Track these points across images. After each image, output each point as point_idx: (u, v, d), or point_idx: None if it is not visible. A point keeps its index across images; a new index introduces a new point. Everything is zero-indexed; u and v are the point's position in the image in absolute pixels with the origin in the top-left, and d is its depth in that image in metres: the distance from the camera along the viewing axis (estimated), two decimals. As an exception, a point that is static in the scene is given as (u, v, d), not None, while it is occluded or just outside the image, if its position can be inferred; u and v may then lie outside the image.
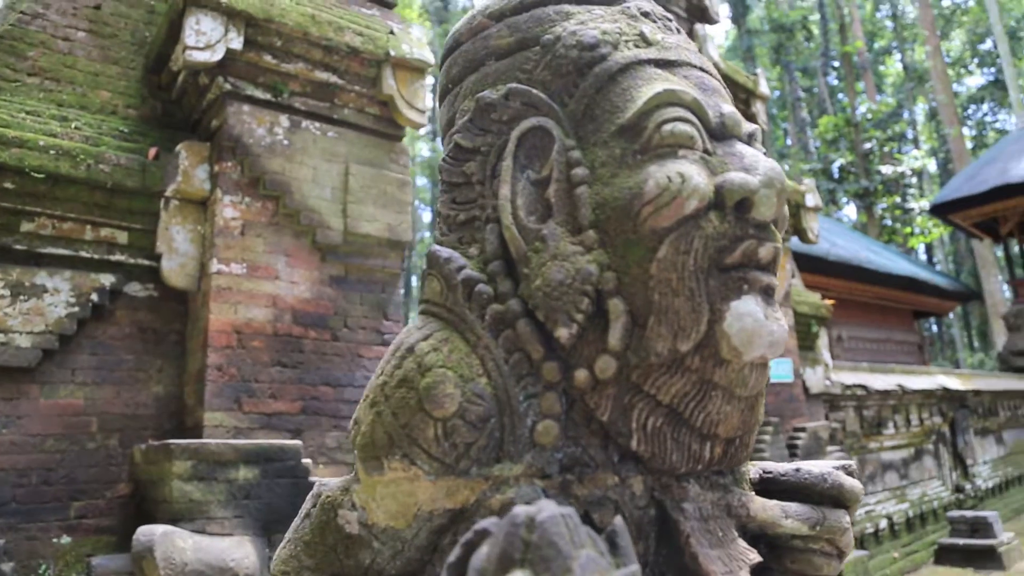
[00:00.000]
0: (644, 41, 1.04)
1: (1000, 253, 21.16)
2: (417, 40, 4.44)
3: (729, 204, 0.95)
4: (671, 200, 0.91)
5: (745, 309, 0.92)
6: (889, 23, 35.16)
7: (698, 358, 0.93)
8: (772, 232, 0.98)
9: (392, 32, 4.39)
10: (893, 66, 37.50)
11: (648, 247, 0.92)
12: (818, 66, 31.46)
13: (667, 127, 0.95)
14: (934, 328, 33.82)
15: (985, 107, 35.40)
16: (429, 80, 4.57)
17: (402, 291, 4.48)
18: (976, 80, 36.45)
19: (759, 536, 1.03)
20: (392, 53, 4.27)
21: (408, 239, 4.38)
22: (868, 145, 26.02)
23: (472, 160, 1.04)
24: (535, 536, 0.72)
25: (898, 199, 25.80)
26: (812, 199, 7.87)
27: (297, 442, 3.54)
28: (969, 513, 8.63)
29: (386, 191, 4.34)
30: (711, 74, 1.08)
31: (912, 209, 25.18)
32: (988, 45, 33.76)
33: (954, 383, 11.22)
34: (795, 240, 8.12)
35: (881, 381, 9.69)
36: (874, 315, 15.21)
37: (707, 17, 8.14)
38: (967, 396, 11.52)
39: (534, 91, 1.02)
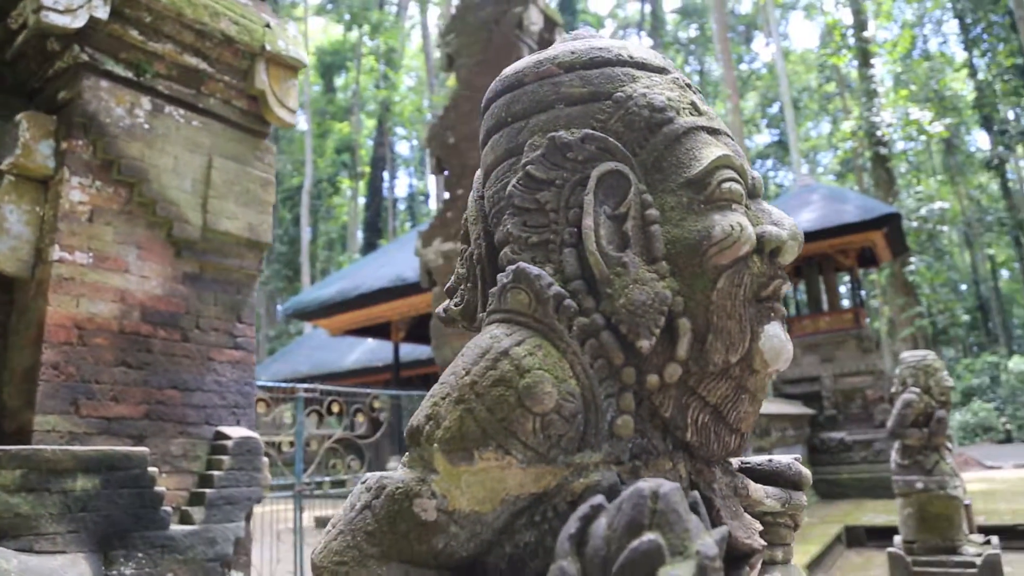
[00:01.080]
0: (696, 110, 1.23)
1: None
2: (293, 38, 4.32)
3: (766, 250, 1.18)
4: (732, 244, 1.12)
5: (773, 331, 1.16)
6: (697, 77, 38.62)
7: (738, 368, 1.15)
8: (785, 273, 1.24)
9: (268, 26, 4.23)
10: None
11: (710, 279, 1.12)
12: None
13: (725, 185, 1.16)
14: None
15: (769, 163, 39.88)
16: (299, 80, 4.44)
17: (255, 294, 4.30)
18: (764, 138, 40.94)
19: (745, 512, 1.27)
20: (268, 47, 4.12)
21: (268, 241, 4.22)
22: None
23: (545, 190, 1.17)
24: (660, 504, 0.90)
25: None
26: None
27: (144, 449, 3.30)
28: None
29: (249, 189, 4.16)
30: (733, 140, 1.26)
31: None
32: (775, 109, 38.12)
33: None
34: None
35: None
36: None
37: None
38: (747, 419, 12.86)
39: (610, 139, 1.17)
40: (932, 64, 32.67)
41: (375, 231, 34.62)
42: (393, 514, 1.08)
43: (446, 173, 8.43)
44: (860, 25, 25.16)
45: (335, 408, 6.62)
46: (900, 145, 28.52)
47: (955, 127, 31.85)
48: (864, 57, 25.55)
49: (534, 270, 1.11)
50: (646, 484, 0.93)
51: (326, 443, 6.70)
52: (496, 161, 1.29)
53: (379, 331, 14.51)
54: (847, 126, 26.30)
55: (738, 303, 1.14)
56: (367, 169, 34.69)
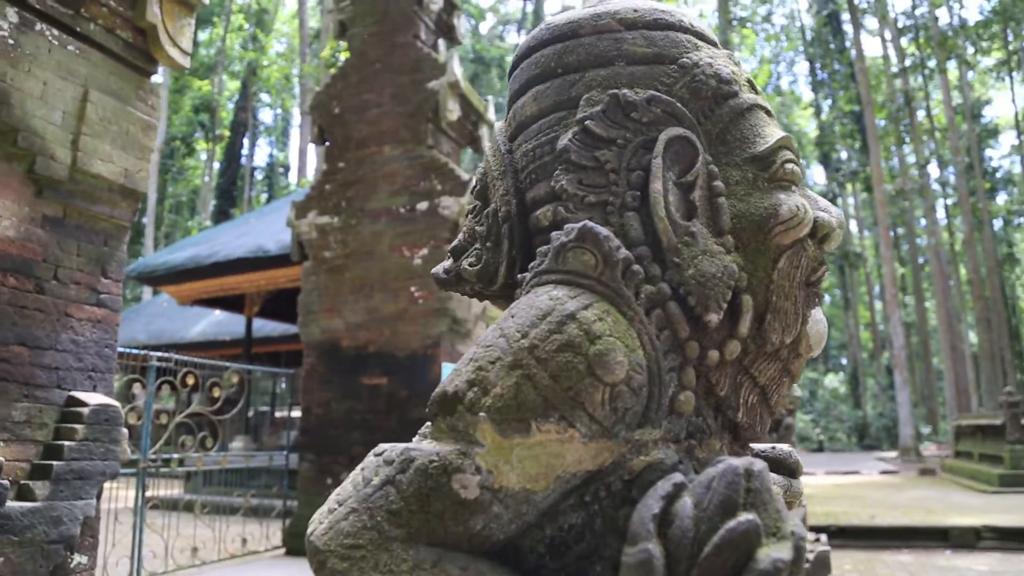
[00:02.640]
0: (752, 88, 1.21)
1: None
2: (192, -28, 3.94)
3: (818, 236, 1.17)
4: (796, 224, 1.11)
5: (818, 316, 1.19)
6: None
7: (787, 350, 1.15)
8: None
9: (165, -46, 3.83)
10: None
11: (772, 257, 1.12)
12: (504, 103, 34.16)
13: (788, 165, 1.15)
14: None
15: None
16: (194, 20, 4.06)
17: (125, 248, 3.88)
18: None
19: None
20: (163, -23, 3.73)
21: (144, 190, 3.83)
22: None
23: (605, 148, 1.11)
24: (755, 483, 0.89)
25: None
26: (518, 225, 8.50)
27: (-15, 411, 2.88)
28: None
29: (129, 131, 3.75)
30: None
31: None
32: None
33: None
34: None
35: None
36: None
37: (453, 36, 8.44)
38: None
39: (677, 104, 1.13)
40: (783, 100, 35.35)
41: (229, 199, 32.80)
42: (425, 491, 0.95)
43: (327, 144, 8.08)
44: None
45: (190, 380, 6.15)
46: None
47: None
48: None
49: (602, 230, 1.03)
50: (738, 462, 0.90)
51: (176, 417, 6.21)
52: (540, 113, 1.22)
53: (232, 303, 13.71)
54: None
55: (795, 285, 1.13)
56: (226, 133, 32.78)
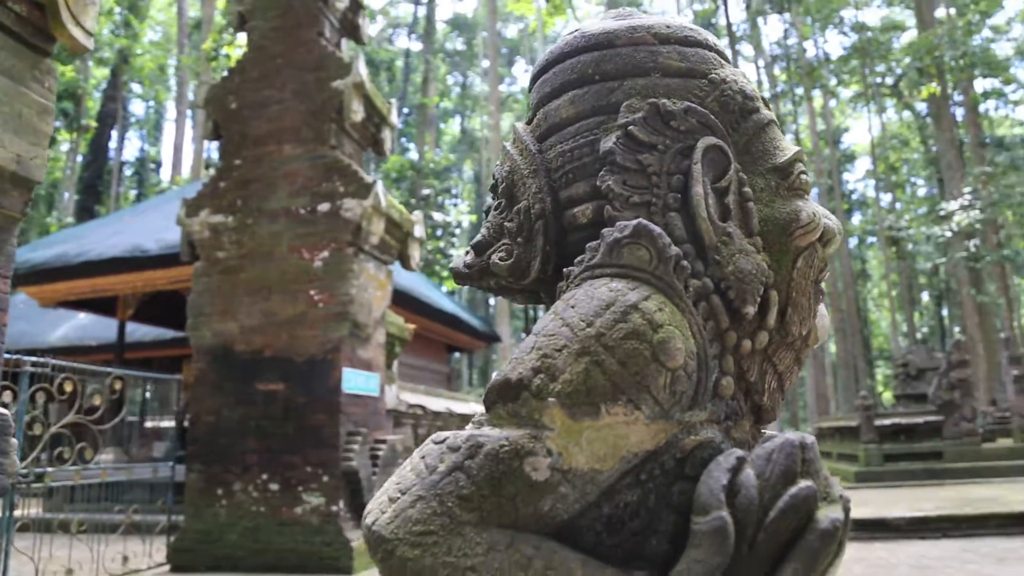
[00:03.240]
0: (766, 105, 1.34)
1: (516, 306, 25.00)
2: (96, -52, 3.68)
3: (823, 240, 1.30)
4: (813, 228, 1.25)
5: (823, 311, 1.33)
6: (458, 89, 39.62)
7: (800, 341, 1.27)
8: None
9: (68, -73, 3.56)
10: (452, 127, 42.22)
11: (791, 258, 1.25)
12: (395, 104, 33.84)
13: (803, 176, 1.28)
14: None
15: (515, 182, 41.99)
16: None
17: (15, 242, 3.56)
18: (512, 158, 43.02)
19: None
20: (65, -49, 3.46)
21: (40, 179, 3.54)
22: (426, 191, 28.75)
23: (647, 153, 1.19)
24: (809, 454, 1.05)
25: (442, 244, 28.93)
26: (420, 230, 8.47)
27: None
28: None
29: (22, 113, 3.46)
30: None
31: (451, 255, 28.44)
32: (526, 132, 40.26)
33: (482, 410, 12.95)
34: (397, 265, 8.61)
35: (435, 403, 10.75)
36: (417, 344, 16.76)
37: (358, 36, 8.30)
38: (490, 423, 13.40)
39: (710, 116, 1.23)
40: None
41: (94, 195, 30.63)
42: (497, 475, 0.98)
43: (222, 140, 7.74)
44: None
45: (68, 387, 5.71)
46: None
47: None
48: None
49: (656, 228, 1.12)
50: (794, 436, 1.06)
51: (51, 428, 5.74)
52: (577, 116, 1.28)
53: (103, 306, 12.80)
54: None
55: (808, 282, 1.26)
56: (92, 124, 30.62)
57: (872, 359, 39.94)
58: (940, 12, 27.41)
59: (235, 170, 7.54)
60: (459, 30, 39.04)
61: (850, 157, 43.48)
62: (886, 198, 39.29)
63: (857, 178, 45.77)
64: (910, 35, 33.52)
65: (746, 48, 32.50)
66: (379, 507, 1.03)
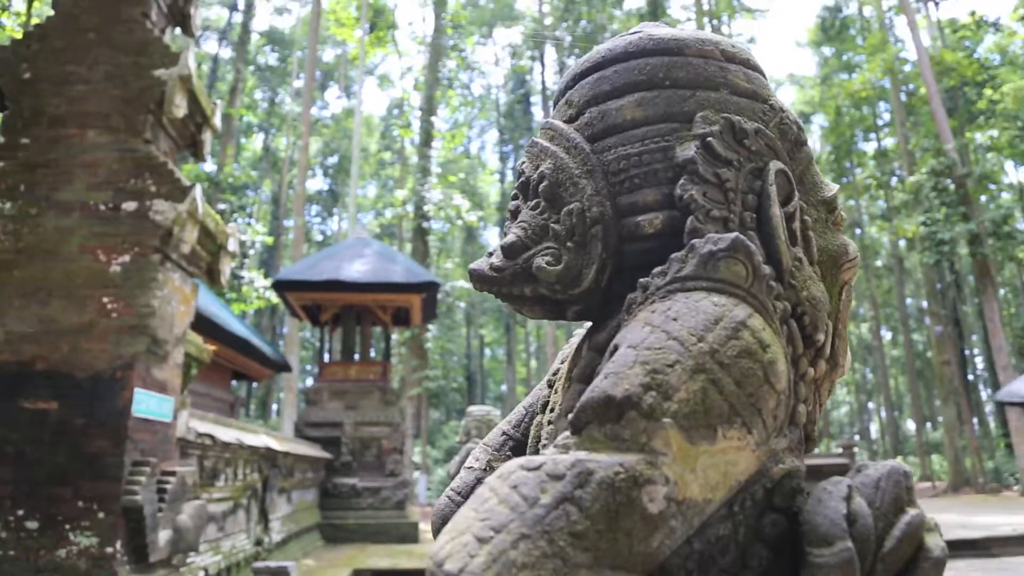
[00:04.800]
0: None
1: (308, 335, 24.02)
2: None
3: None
4: (856, 264, 1.26)
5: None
6: (264, 104, 37.93)
7: (836, 372, 1.24)
8: None
9: None
10: (255, 143, 40.26)
11: (839, 289, 1.24)
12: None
13: (842, 213, 1.31)
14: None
15: (316, 209, 40.80)
16: None
17: None
18: (316, 184, 41.89)
19: None
20: None
21: None
22: (222, 206, 26.97)
23: (725, 168, 1.15)
24: (909, 483, 1.04)
25: (234, 263, 27.17)
26: (234, 244, 7.82)
27: None
28: (273, 563, 9.28)
29: None
30: None
31: (243, 277, 26.82)
32: (333, 159, 39.43)
33: (274, 443, 12.13)
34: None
35: (225, 433, 9.83)
36: (202, 368, 15.44)
37: (188, 27, 7.60)
38: (279, 456, 12.56)
39: (776, 140, 1.22)
40: (472, 163, 37.84)
41: None
42: (614, 508, 0.84)
43: (7, 112, 6.67)
44: (430, 109, 27.91)
45: None
46: (437, 224, 32.01)
47: (480, 220, 37.03)
48: (427, 138, 28.31)
49: (751, 245, 1.06)
50: (895, 465, 1.07)
51: None
52: (645, 119, 1.22)
53: None
54: (400, 194, 28.56)
55: (847, 315, 1.27)
56: None
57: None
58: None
59: (21, 150, 6.50)
60: (274, 44, 37.55)
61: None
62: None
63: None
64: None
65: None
66: (464, 550, 0.81)
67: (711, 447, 0.92)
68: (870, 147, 40.62)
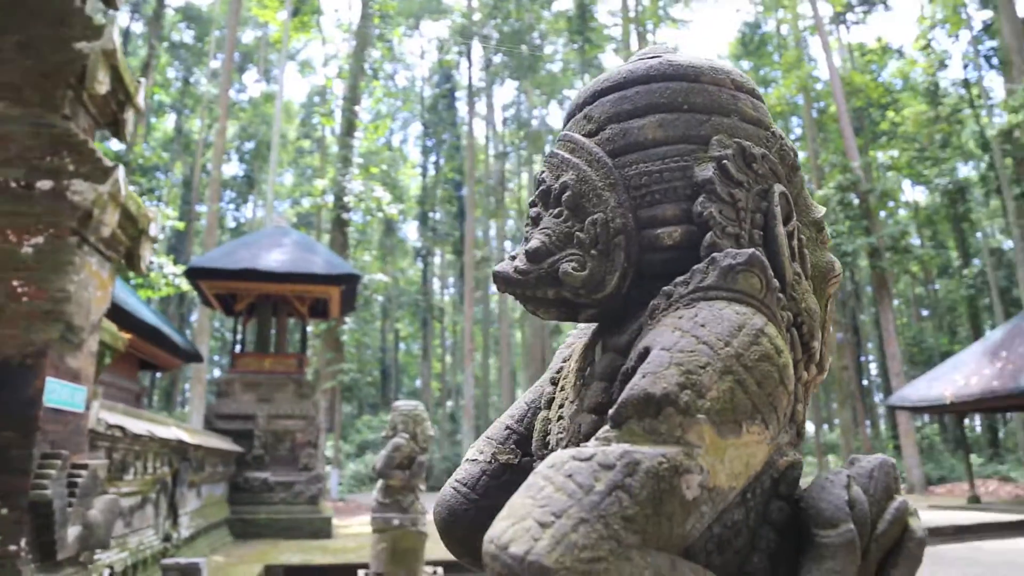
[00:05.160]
0: None
1: (217, 324, 23.23)
2: None
3: None
4: (840, 278, 1.39)
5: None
6: (178, 84, 36.40)
7: (820, 376, 1.37)
8: None
9: None
10: (166, 123, 38.59)
11: (824, 302, 1.37)
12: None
13: (827, 232, 1.43)
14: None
15: (230, 195, 39.48)
16: None
17: None
18: (231, 169, 40.52)
19: None
20: None
21: None
22: (130, 188, 25.75)
23: (737, 189, 1.26)
24: (895, 472, 1.20)
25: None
26: (155, 229, 7.53)
27: None
28: (182, 560, 8.97)
29: None
30: None
31: (151, 262, 25.73)
32: (250, 144, 38.26)
33: (186, 436, 11.72)
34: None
35: (136, 425, 9.44)
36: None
37: (111, 1, 7.23)
38: (190, 449, 12.15)
39: (779, 165, 1.34)
40: (394, 155, 37.42)
41: None
42: (659, 494, 0.95)
43: (-93, 80, 6.21)
44: (354, 98, 27.43)
45: None
46: (357, 216, 31.53)
47: (400, 214, 36.70)
48: (349, 127, 27.82)
49: (765, 260, 1.19)
50: (885, 458, 1.20)
51: None
52: (665, 139, 1.31)
53: None
54: (320, 184, 27.97)
55: (830, 324, 1.40)
56: None
57: (555, 408, 43.52)
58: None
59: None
60: (191, 22, 36.05)
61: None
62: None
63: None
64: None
65: (481, 106, 34.43)
66: (528, 534, 0.89)
67: (737, 440, 1.02)
68: (780, 159, 42.23)
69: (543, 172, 1.40)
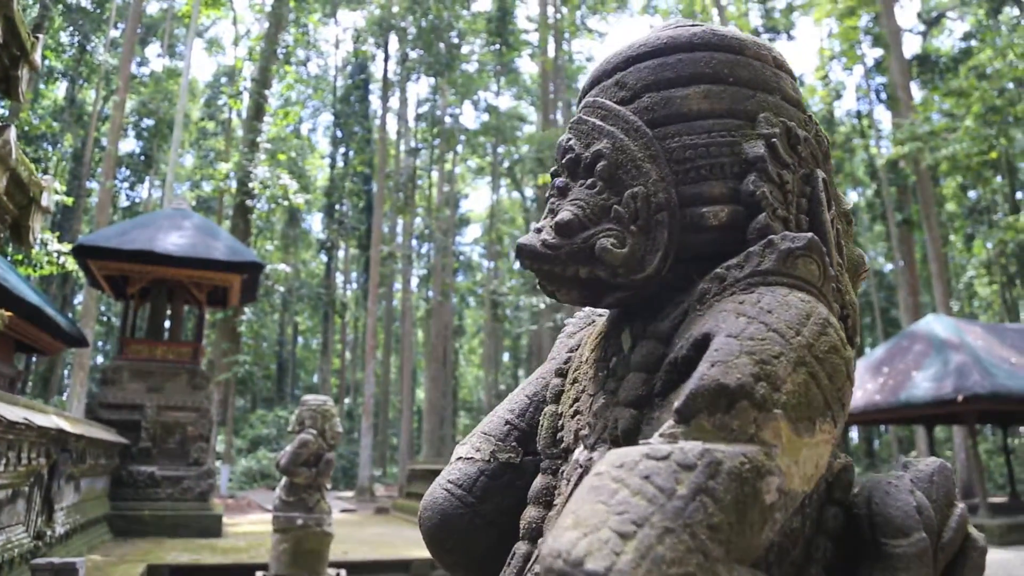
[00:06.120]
0: None
1: (103, 307, 21.90)
2: None
3: None
4: (868, 273, 1.37)
5: None
6: (71, 50, 34.16)
7: None
8: None
9: None
10: (56, 90, 36.14)
11: (855, 294, 1.30)
12: None
13: (854, 226, 1.38)
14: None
15: (125, 172, 37.37)
16: None
17: None
18: (129, 146, 38.38)
19: None
20: None
21: None
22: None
23: (785, 171, 1.21)
24: (954, 477, 1.15)
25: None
26: (47, 199, 6.97)
27: None
28: (56, 560, 8.31)
29: None
30: None
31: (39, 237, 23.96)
32: (149, 122, 36.36)
33: (66, 425, 10.93)
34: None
35: (11, 412, 8.69)
36: (-21, 337, 13.58)
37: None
38: (71, 440, 11.34)
39: (817, 150, 1.29)
40: (302, 143, 36.34)
41: None
42: (742, 499, 0.83)
43: None
44: (264, 82, 26.48)
45: None
46: (262, 203, 30.44)
47: (306, 204, 35.68)
48: (257, 112, 26.83)
49: (822, 245, 1.12)
50: (942, 462, 1.15)
51: None
52: (711, 112, 1.23)
53: None
54: (224, 167, 26.85)
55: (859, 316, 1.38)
56: None
57: (456, 408, 43.46)
58: (559, 115, 32.02)
59: None
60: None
61: (465, 221, 47.69)
62: (488, 264, 43.82)
63: (465, 242, 50.39)
64: (529, 128, 38.42)
65: (394, 101, 33.84)
66: (606, 547, 0.76)
67: (810, 440, 0.93)
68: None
69: (569, 140, 1.28)
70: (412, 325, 35.86)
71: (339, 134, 40.24)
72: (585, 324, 1.55)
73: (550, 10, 34.18)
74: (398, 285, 39.03)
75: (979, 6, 32.96)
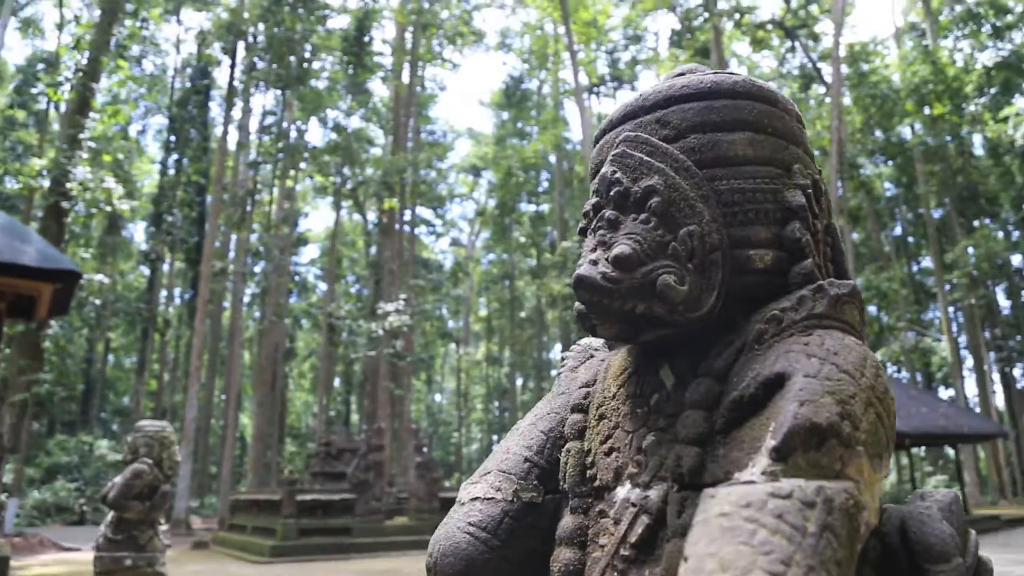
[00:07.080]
0: None
1: None
2: None
3: None
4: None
5: None
6: None
7: None
8: None
9: None
10: None
11: None
12: None
13: None
14: None
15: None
16: None
17: None
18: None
19: None
20: None
21: None
22: None
23: (816, 220, 1.30)
24: (961, 507, 1.22)
25: None
26: None
27: None
28: None
29: None
30: None
31: None
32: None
33: None
34: None
35: None
36: None
37: None
38: None
39: (829, 203, 1.39)
40: (130, 145, 33.63)
41: None
42: (852, 534, 0.92)
43: None
44: (93, 75, 24.29)
45: None
46: (79, 206, 27.73)
47: (131, 211, 32.86)
48: (82, 106, 24.49)
49: (860, 293, 1.23)
50: (954, 492, 1.22)
51: None
52: (755, 158, 1.28)
53: None
54: (37, 163, 24.24)
55: None
56: None
57: (283, 435, 41.43)
58: (410, 143, 31.86)
59: None
60: None
61: (303, 241, 46.04)
62: (324, 287, 42.53)
63: (303, 261, 48.68)
64: (376, 151, 37.97)
65: (236, 113, 32.15)
66: None
67: (878, 475, 1.01)
68: (530, 209, 45.12)
69: (615, 172, 1.28)
70: (240, 346, 33.85)
71: (173, 139, 37.66)
72: (584, 358, 1.55)
73: (407, 35, 34.13)
74: (227, 303, 36.85)
75: (793, 80, 36.75)
